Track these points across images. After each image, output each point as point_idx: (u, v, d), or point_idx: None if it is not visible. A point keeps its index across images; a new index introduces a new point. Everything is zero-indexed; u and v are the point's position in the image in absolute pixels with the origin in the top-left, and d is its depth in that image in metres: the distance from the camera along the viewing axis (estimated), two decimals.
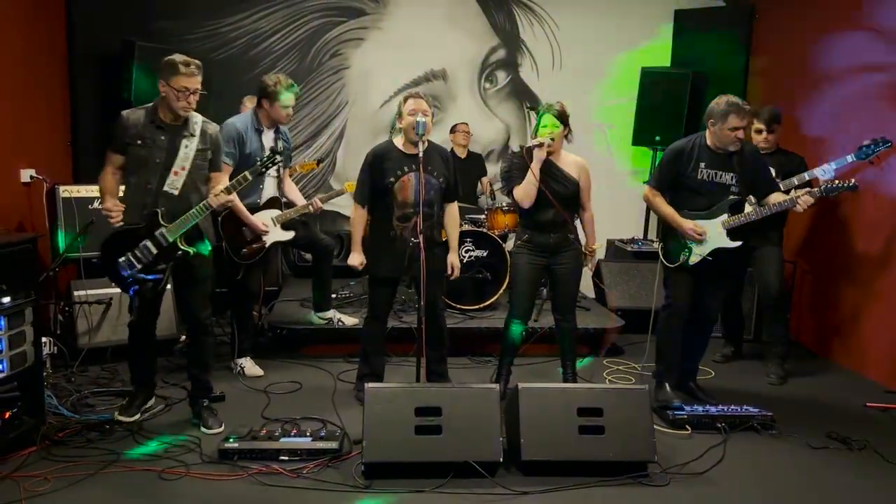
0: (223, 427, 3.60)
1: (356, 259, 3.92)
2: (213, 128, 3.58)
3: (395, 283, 4.01)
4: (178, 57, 3.40)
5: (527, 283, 4.00)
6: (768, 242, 4.54)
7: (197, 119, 3.50)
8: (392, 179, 3.77)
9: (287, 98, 4.17)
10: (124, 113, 3.46)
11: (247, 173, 3.55)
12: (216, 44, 6.12)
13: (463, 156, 6.17)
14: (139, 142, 3.40)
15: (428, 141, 3.67)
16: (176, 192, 3.44)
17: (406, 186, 3.78)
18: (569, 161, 3.95)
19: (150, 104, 3.47)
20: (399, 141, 3.86)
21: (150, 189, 3.41)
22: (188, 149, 3.44)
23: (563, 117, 3.84)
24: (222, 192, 3.47)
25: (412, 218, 3.77)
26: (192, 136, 3.46)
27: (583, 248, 4.05)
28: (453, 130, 6.19)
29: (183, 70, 3.34)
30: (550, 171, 3.86)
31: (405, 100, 3.78)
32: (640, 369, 4.63)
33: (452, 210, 4.06)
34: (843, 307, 5.04)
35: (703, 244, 3.86)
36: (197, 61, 3.42)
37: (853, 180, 3.69)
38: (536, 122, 3.90)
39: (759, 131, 4.55)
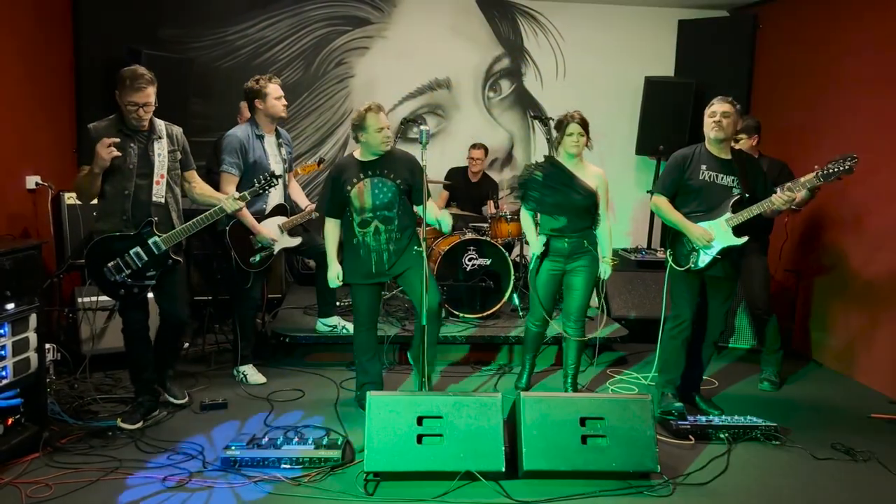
0: (188, 398, 3.86)
1: (332, 272, 3.95)
2: (177, 129, 3.68)
3: (374, 289, 4.00)
4: (128, 71, 3.44)
5: (543, 286, 4.10)
6: (754, 250, 4.42)
7: (160, 123, 3.59)
8: (349, 188, 3.82)
9: (275, 89, 4.26)
10: (91, 126, 3.51)
11: (246, 194, 3.67)
12: (222, 52, 6.14)
13: (475, 180, 6.15)
14: None
15: (393, 147, 3.83)
16: (162, 201, 3.55)
17: (361, 192, 3.82)
18: (589, 172, 4.05)
19: (114, 115, 3.52)
20: (357, 152, 3.90)
21: (127, 195, 3.49)
22: (161, 155, 3.53)
23: (585, 125, 3.96)
24: (238, 199, 3.61)
25: (371, 222, 3.83)
26: (160, 138, 3.55)
27: (601, 258, 4.09)
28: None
29: (129, 84, 3.39)
30: (570, 181, 3.96)
31: (366, 112, 3.71)
32: (646, 381, 4.62)
33: (429, 206, 3.88)
34: (847, 317, 5.01)
35: (711, 246, 3.86)
36: (148, 74, 3.45)
37: (849, 163, 3.58)
38: (561, 132, 3.99)
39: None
